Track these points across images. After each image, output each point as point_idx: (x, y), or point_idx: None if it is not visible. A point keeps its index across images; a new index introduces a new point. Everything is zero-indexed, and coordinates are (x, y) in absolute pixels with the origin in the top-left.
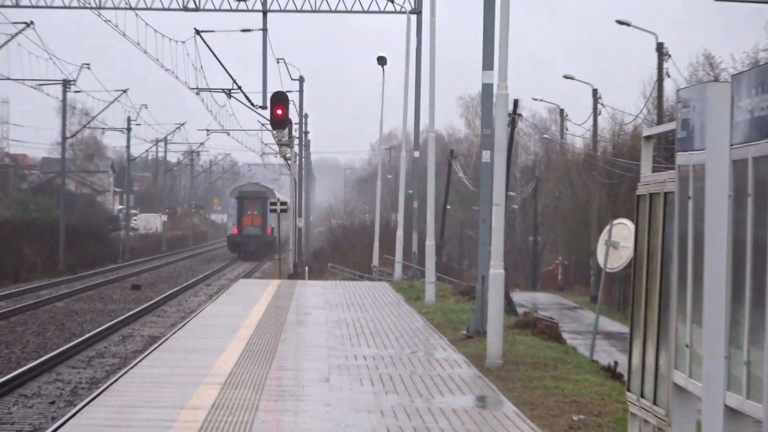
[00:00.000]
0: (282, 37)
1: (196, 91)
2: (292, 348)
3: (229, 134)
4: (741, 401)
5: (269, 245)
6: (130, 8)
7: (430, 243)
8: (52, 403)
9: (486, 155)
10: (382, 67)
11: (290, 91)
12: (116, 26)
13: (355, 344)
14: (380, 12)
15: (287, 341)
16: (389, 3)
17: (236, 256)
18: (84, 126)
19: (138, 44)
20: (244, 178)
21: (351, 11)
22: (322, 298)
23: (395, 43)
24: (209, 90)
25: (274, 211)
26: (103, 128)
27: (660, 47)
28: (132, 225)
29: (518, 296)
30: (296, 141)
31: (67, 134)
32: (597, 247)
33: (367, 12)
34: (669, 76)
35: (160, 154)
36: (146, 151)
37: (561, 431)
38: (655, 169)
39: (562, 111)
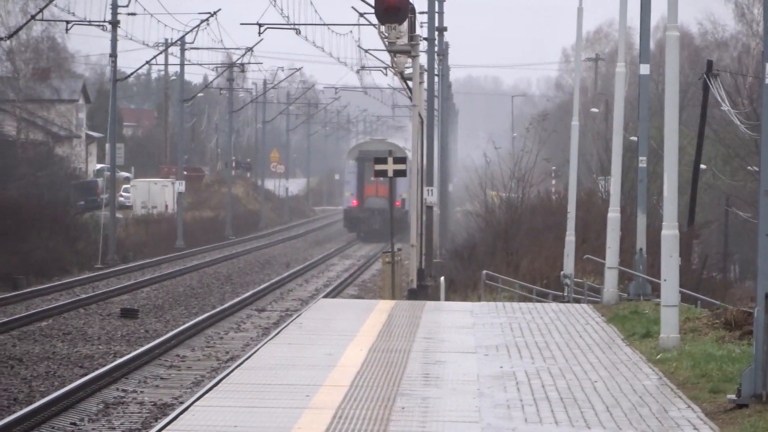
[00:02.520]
0: None
1: None
2: (417, 426)
3: (299, 33)
4: None
5: (399, 223)
6: None
7: (670, 233)
8: None
9: None
10: None
11: None
12: None
13: (532, 420)
14: None
15: (407, 414)
16: None
17: (354, 236)
18: (32, 17)
19: None
20: (326, 114)
21: None
22: (470, 335)
23: None
24: None
25: (381, 174)
26: (69, 21)
27: None
28: (121, 200)
29: None
30: (423, 46)
31: (2, 33)
32: None
33: None
34: None
35: (173, 70)
36: (147, 63)
37: None
38: None
39: None
